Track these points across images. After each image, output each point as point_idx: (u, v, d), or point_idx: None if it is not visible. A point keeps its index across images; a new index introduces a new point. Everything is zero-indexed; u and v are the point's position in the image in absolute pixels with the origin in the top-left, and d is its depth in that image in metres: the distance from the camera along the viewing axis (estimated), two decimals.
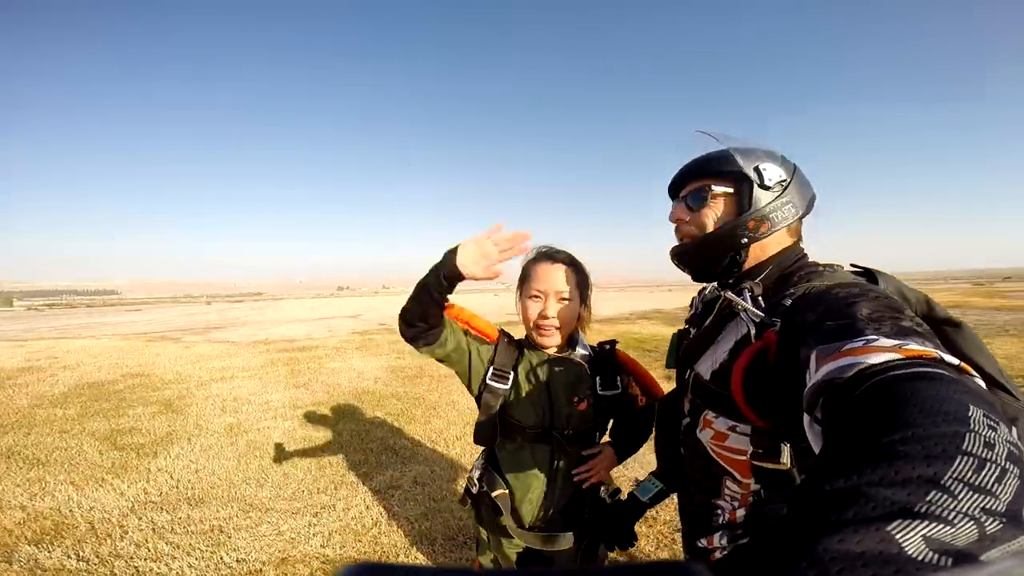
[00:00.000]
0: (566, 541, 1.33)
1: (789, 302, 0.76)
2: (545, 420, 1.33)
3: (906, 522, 0.28)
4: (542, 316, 1.29)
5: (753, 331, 0.80)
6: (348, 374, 7.14)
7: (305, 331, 14.14)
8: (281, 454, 3.87)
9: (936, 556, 0.26)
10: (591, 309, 1.40)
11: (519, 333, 1.44)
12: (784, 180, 0.91)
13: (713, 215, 0.93)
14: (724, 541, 0.89)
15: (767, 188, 0.90)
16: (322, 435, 4.34)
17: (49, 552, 2.42)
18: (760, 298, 0.84)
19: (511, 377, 1.34)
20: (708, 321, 0.95)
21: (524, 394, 1.34)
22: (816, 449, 0.52)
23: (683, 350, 1.03)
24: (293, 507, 2.91)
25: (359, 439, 4.16)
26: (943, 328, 0.74)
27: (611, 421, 1.46)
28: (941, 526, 0.28)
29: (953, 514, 0.28)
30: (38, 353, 9.57)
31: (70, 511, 2.87)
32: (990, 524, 0.28)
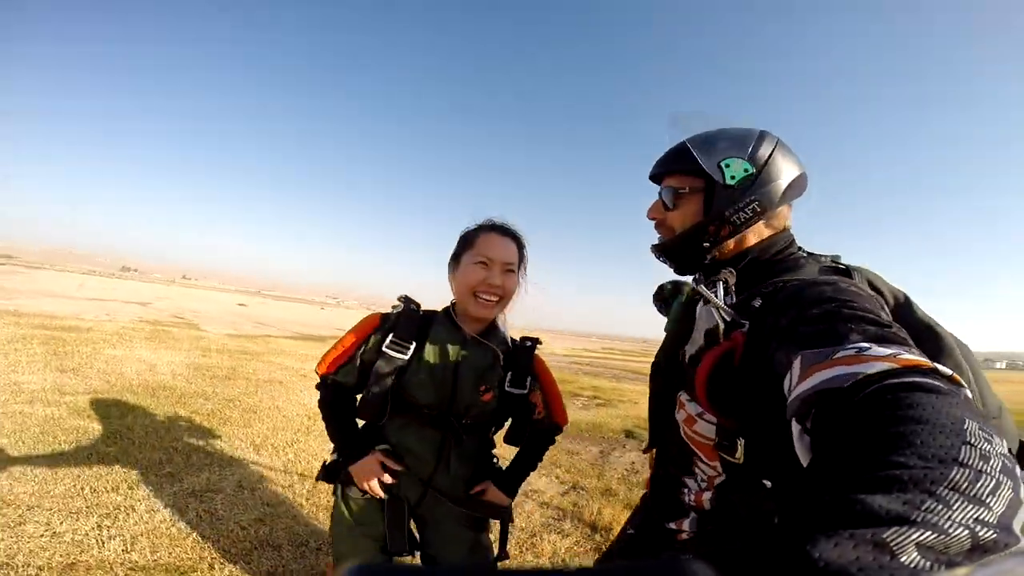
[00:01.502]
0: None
1: (759, 302, 0.73)
2: (444, 403, 1.24)
3: (901, 529, 0.28)
4: (488, 283, 1.21)
5: (722, 327, 0.77)
6: (135, 365, 5.88)
7: (73, 309, 11.24)
8: (44, 445, 2.98)
9: (928, 563, 0.27)
10: (518, 295, 1.33)
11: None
12: (751, 174, 0.83)
13: (680, 216, 0.90)
14: (693, 527, 0.87)
15: (729, 187, 0.83)
16: (103, 428, 3.46)
17: None
18: (734, 288, 0.82)
19: (412, 348, 1.23)
20: (679, 311, 0.95)
21: (426, 370, 1.23)
22: (804, 459, 0.51)
23: (676, 328, 0.97)
24: (71, 506, 2.25)
25: (157, 437, 3.43)
26: (922, 332, 0.73)
27: (508, 421, 1.37)
28: (935, 534, 0.28)
29: (948, 523, 0.29)
30: None
31: None
32: (984, 533, 0.29)
